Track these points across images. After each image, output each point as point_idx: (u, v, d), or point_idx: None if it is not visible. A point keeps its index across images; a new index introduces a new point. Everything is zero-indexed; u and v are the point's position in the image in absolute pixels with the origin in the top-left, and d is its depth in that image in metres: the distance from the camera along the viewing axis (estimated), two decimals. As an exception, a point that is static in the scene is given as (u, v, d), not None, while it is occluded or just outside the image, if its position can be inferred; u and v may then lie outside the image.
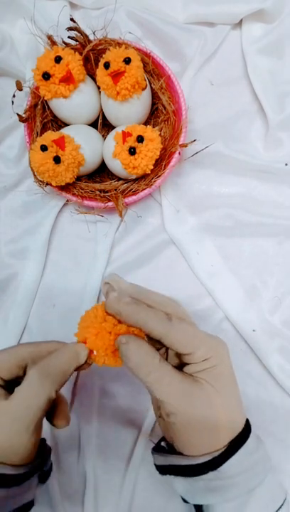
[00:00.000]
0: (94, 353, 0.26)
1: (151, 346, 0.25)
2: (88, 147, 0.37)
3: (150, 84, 0.38)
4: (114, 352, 0.26)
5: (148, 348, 0.24)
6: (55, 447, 0.40)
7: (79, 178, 0.39)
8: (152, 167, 0.35)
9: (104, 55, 0.35)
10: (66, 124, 0.39)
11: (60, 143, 0.34)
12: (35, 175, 0.36)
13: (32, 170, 0.36)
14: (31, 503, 0.26)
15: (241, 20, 0.42)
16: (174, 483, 0.27)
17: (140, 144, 0.34)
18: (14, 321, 0.41)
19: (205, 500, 0.25)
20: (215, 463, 0.24)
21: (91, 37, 0.37)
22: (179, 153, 0.37)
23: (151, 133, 0.34)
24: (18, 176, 0.42)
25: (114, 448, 0.40)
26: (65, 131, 0.37)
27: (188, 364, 0.25)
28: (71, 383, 0.40)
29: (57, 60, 0.35)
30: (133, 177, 0.37)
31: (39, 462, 0.26)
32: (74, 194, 0.38)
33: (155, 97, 0.39)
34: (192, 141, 0.37)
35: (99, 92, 0.37)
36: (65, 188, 0.38)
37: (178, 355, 0.26)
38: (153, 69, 0.38)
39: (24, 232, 0.43)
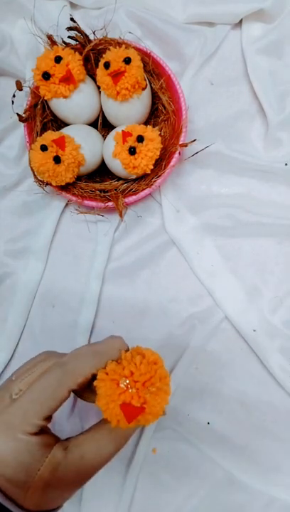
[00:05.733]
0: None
1: None
2: (88, 147, 0.37)
3: (150, 84, 0.38)
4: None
5: None
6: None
7: (79, 178, 0.39)
8: (152, 167, 0.35)
9: (104, 55, 0.35)
10: (66, 124, 0.39)
11: (60, 143, 0.34)
12: (35, 175, 0.36)
13: (32, 170, 0.36)
14: None
15: (241, 20, 0.42)
16: None
17: (140, 143, 0.34)
18: (13, 322, 0.41)
19: None
20: None
21: (91, 37, 0.37)
22: (179, 153, 0.37)
23: (151, 133, 0.34)
24: (18, 176, 0.42)
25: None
26: (65, 131, 0.37)
27: None
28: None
29: (57, 59, 0.35)
30: (134, 177, 0.37)
31: None
32: (74, 194, 0.38)
33: (155, 96, 0.39)
34: (192, 141, 0.37)
35: (99, 92, 0.37)
36: (65, 188, 0.38)
37: None
38: (153, 69, 0.38)
39: (24, 232, 0.42)
